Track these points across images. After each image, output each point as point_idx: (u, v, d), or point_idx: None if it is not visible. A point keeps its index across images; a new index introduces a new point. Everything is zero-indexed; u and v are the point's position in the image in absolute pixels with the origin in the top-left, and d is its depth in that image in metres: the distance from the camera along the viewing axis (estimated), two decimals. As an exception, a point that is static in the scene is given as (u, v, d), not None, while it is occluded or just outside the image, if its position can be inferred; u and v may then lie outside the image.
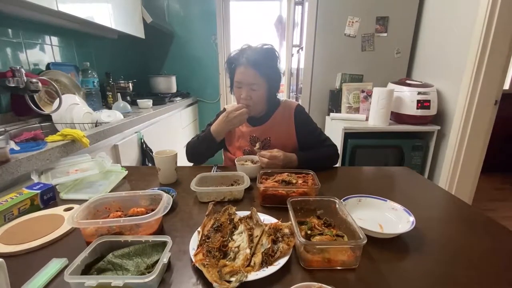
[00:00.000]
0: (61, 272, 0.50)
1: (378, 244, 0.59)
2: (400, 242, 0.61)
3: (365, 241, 0.49)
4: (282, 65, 3.27)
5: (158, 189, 0.78)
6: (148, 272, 0.46)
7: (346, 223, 0.59)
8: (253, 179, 0.86)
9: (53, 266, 0.51)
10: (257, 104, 1.07)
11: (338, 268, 0.52)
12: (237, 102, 1.13)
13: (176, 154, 0.91)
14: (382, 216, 0.69)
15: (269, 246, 0.53)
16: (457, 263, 0.55)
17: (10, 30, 1.36)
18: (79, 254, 0.49)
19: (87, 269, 0.49)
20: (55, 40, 1.64)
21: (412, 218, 0.63)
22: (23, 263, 0.53)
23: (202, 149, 1.11)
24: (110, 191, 0.84)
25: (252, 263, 0.50)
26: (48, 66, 1.56)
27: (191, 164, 1.18)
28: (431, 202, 0.84)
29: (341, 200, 0.67)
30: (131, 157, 1.55)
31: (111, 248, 0.52)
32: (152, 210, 0.59)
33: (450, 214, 0.78)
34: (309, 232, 0.58)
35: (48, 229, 0.63)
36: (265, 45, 1.06)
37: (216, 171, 0.98)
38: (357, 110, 2.04)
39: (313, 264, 0.52)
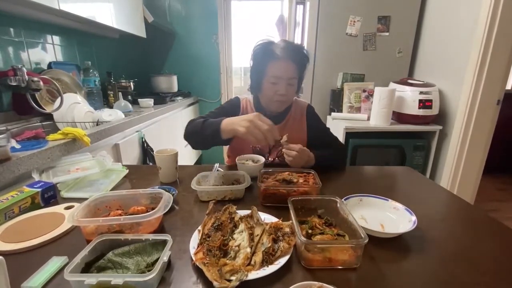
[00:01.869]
0: (61, 270, 0.50)
1: (379, 243, 0.58)
2: (401, 242, 0.60)
3: (366, 241, 0.49)
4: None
5: (158, 188, 0.78)
6: (148, 271, 0.46)
7: (347, 223, 0.59)
8: (253, 178, 0.86)
9: (53, 264, 0.51)
10: (290, 100, 1.05)
11: (339, 267, 0.51)
12: (266, 98, 1.06)
13: (177, 153, 0.91)
14: (383, 215, 0.69)
15: (269, 245, 0.52)
16: (459, 263, 0.54)
17: (11, 29, 1.36)
18: (79, 252, 0.48)
19: (87, 267, 0.48)
20: (56, 39, 1.65)
21: (413, 218, 0.63)
22: (24, 261, 0.53)
23: (204, 136, 0.91)
24: (111, 190, 0.84)
25: (252, 262, 0.50)
26: (49, 65, 1.57)
27: (192, 163, 1.18)
28: (433, 202, 0.83)
29: (342, 200, 0.67)
30: (132, 156, 1.55)
31: (111, 247, 0.52)
32: (153, 209, 0.59)
33: (452, 214, 0.77)
34: (310, 231, 0.58)
35: (48, 228, 0.63)
36: (296, 43, 1.05)
37: (217, 170, 0.98)
38: (358, 110, 2.04)
39: (314, 264, 0.51)
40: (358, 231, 0.52)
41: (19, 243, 0.57)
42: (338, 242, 0.54)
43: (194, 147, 1.03)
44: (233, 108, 1.12)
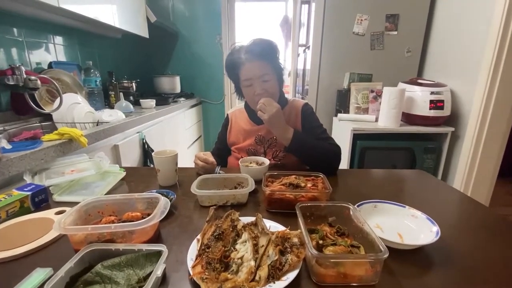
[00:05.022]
0: (44, 284, 0.45)
1: (398, 255, 0.52)
2: (422, 254, 0.54)
3: (386, 255, 0.43)
4: (288, 65, 3.22)
5: (156, 192, 0.73)
6: (140, 287, 0.41)
7: (362, 232, 0.53)
8: (258, 182, 0.80)
9: (36, 276, 0.46)
10: (273, 95, 1.02)
11: (355, 284, 0.46)
12: (250, 103, 1.07)
13: (177, 154, 0.86)
14: (401, 224, 0.63)
15: (276, 257, 0.47)
16: (488, 278, 0.48)
17: (12, 28, 1.34)
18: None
19: (72, 282, 0.43)
20: (58, 39, 1.62)
21: (435, 228, 0.57)
22: (6, 272, 0.49)
23: None
24: (107, 193, 0.79)
25: (257, 278, 0.45)
26: (50, 65, 1.54)
27: (193, 165, 1.14)
28: (453, 209, 0.77)
29: (355, 206, 0.61)
30: (132, 157, 1.50)
31: (101, 257, 0.47)
32: (148, 215, 0.54)
33: (477, 223, 0.70)
34: (320, 241, 0.52)
35: (36, 234, 0.58)
36: (260, 38, 1.03)
37: (219, 173, 0.93)
38: (366, 111, 1.97)
39: (327, 280, 0.45)
40: (376, 242, 0.47)
41: (3, 252, 0.53)
42: (354, 256, 0.48)
43: None
44: (225, 128, 1.18)
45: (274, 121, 0.94)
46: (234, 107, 1.24)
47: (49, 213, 0.67)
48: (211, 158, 0.95)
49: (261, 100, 0.95)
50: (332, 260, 0.45)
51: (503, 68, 1.50)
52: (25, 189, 0.70)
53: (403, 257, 0.53)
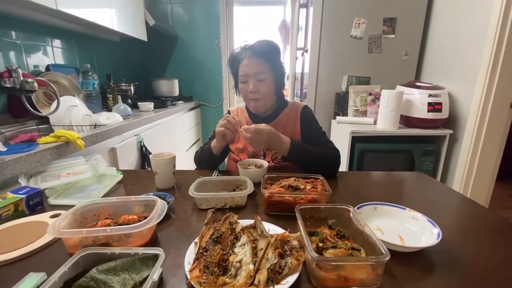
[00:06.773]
0: (37, 289, 0.44)
1: (399, 258, 0.51)
2: (424, 257, 0.53)
3: (388, 257, 0.42)
4: (286, 69, 3.23)
5: (153, 195, 0.72)
6: (135, 292, 0.40)
7: (362, 235, 0.52)
8: (257, 184, 0.79)
9: (29, 281, 0.45)
10: (266, 97, 1.02)
11: None
12: (244, 99, 1.08)
13: (174, 156, 0.85)
14: (401, 226, 0.62)
15: (275, 261, 0.46)
16: (492, 281, 0.47)
17: (9, 31, 1.33)
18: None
19: (66, 286, 0.42)
20: (55, 41, 1.61)
21: (436, 230, 0.56)
22: (-3, 278, 0.47)
23: (206, 160, 1.06)
24: (103, 196, 0.78)
25: (256, 281, 0.44)
26: (47, 68, 1.53)
27: (193, 168, 1.13)
28: (454, 211, 0.76)
29: (355, 208, 0.60)
30: (129, 160, 1.49)
31: (97, 261, 0.46)
32: (145, 218, 0.53)
33: (478, 225, 0.69)
34: (320, 244, 0.51)
35: (30, 238, 0.57)
36: (265, 39, 1.04)
37: (217, 175, 0.92)
38: (364, 114, 1.97)
39: (327, 283, 0.44)
40: (377, 245, 0.46)
41: (-4, 256, 0.51)
42: (355, 259, 0.47)
43: (206, 169, 1.07)
44: None
45: (269, 143, 0.91)
46: (235, 105, 1.23)
47: (44, 217, 0.66)
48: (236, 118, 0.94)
49: (248, 135, 0.87)
50: (332, 263, 0.44)
51: (501, 70, 1.51)
52: (20, 192, 0.69)
53: (405, 259, 0.52)
